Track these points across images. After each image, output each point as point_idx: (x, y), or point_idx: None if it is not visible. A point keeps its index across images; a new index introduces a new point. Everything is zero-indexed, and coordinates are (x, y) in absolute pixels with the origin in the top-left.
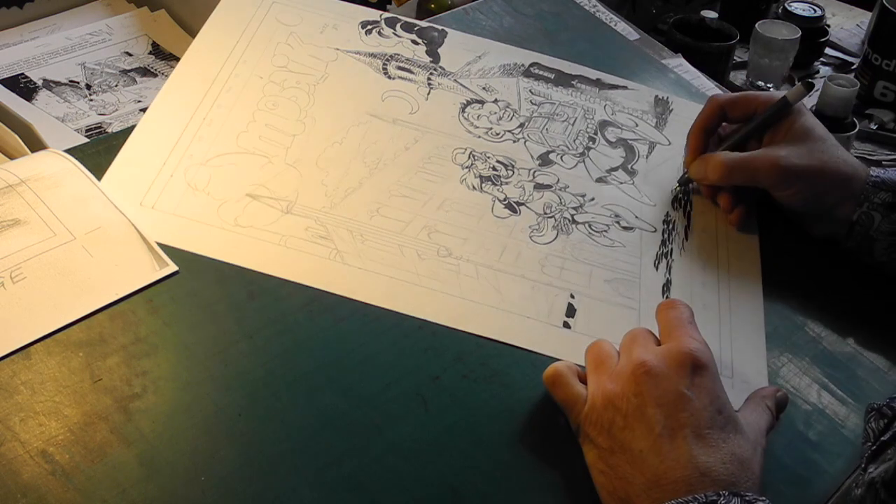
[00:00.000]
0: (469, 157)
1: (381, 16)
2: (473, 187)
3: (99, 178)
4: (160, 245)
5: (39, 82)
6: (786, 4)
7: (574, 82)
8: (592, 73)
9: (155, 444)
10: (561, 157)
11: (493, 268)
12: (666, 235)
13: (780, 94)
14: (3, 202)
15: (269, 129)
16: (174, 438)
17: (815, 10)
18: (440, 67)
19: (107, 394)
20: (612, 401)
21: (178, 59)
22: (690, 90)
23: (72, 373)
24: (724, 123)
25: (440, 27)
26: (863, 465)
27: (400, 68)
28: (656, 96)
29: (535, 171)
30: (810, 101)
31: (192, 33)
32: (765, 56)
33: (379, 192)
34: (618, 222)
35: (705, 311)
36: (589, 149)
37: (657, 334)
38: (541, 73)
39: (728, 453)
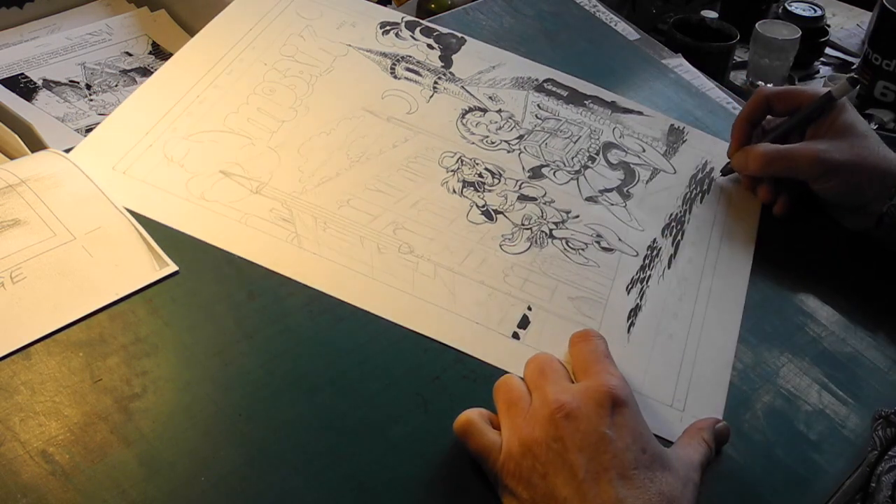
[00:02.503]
0: (457, 162)
1: (402, 18)
2: (454, 191)
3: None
4: (130, 211)
5: (39, 82)
6: (786, 4)
7: (587, 102)
8: (608, 96)
9: (155, 444)
10: (554, 173)
11: (452, 270)
12: (647, 261)
13: (825, 89)
14: (3, 202)
15: (260, 112)
16: (174, 438)
17: (815, 10)
18: (450, 73)
19: (107, 394)
20: (529, 448)
21: None
22: (690, 90)
23: (72, 373)
24: (768, 116)
25: (460, 34)
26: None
27: (408, 69)
28: (672, 125)
29: (522, 183)
30: None
31: (192, 33)
32: (765, 56)
33: (354, 185)
34: (598, 242)
35: (671, 341)
36: (586, 167)
37: (562, 358)
38: (554, 89)
39: (655, 493)
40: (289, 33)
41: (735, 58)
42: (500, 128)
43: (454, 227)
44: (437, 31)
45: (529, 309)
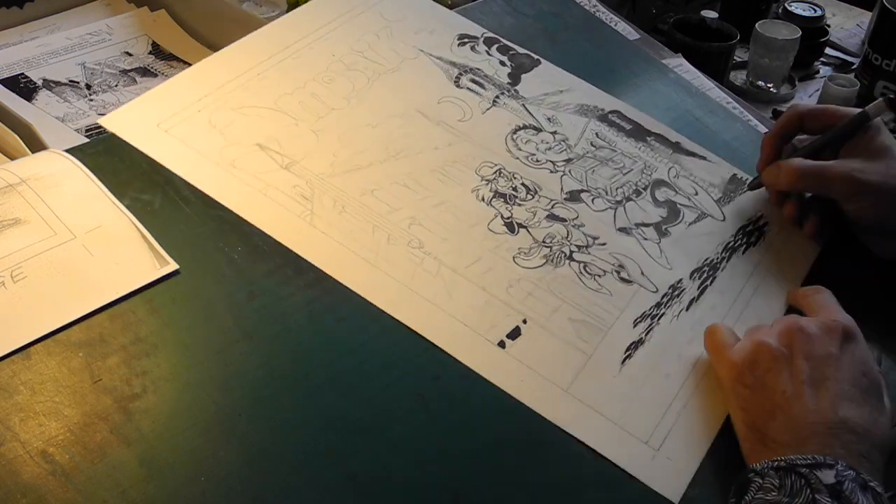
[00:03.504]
0: (495, 173)
1: (482, 34)
2: (482, 199)
3: (99, 177)
4: (154, 161)
5: (39, 82)
6: (786, 4)
7: (649, 139)
8: (674, 136)
9: (155, 444)
10: (592, 200)
11: (455, 271)
12: (665, 300)
13: (858, 109)
14: (3, 202)
15: (314, 98)
16: (174, 438)
17: (815, 10)
18: (514, 90)
19: (107, 394)
20: (761, 346)
21: (178, 59)
22: (690, 90)
23: (72, 373)
24: (799, 136)
25: (536, 56)
26: None
27: (472, 81)
28: (734, 174)
29: (556, 203)
30: (811, 101)
31: (192, 33)
32: (765, 56)
33: (383, 177)
34: (618, 272)
35: (666, 381)
36: (628, 199)
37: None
38: (618, 121)
39: (868, 416)
40: (367, 31)
41: (735, 58)
42: (550, 148)
43: (471, 233)
44: (514, 50)
45: (524, 322)
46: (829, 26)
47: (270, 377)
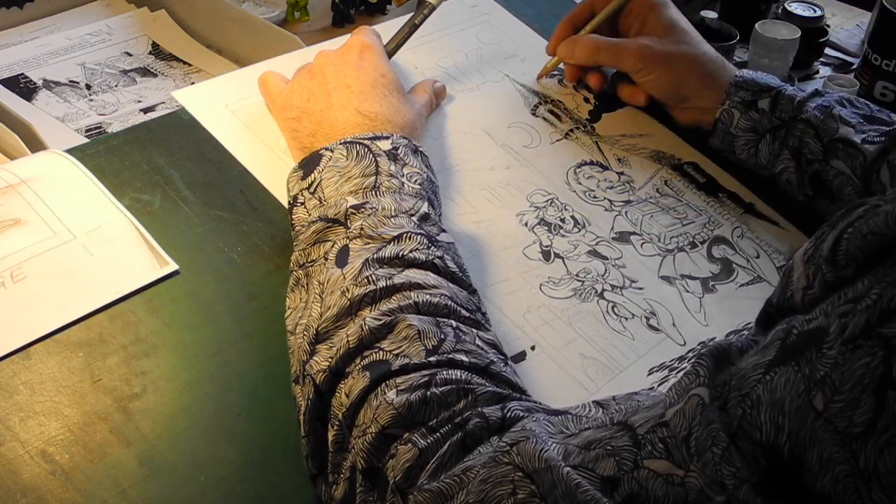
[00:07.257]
0: (546, 202)
1: None
2: (525, 224)
3: (99, 177)
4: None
5: (39, 82)
6: (785, 4)
7: (721, 195)
8: (748, 196)
9: (155, 444)
10: (641, 244)
11: (478, 289)
12: (691, 355)
13: None
14: (3, 202)
15: None
16: (174, 438)
17: (814, 10)
18: (591, 127)
19: (107, 394)
20: (297, 72)
21: (178, 59)
22: None
23: (72, 373)
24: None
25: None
26: None
27: (550, 112)
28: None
29: (601, 241)
30: None
31: (192, 33)
32: (765, 56)
33: None
34: (647, 318)
35: None
36: (681, 250)
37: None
38: (692, 172)
39: (390, 105)
40: (455, 49)
41: (735, 58)
42: (612, 187)
43: (504, 255)
44: (603, 89)
45: (532, 348)
46: (828, 26)
47: (270, 377)
